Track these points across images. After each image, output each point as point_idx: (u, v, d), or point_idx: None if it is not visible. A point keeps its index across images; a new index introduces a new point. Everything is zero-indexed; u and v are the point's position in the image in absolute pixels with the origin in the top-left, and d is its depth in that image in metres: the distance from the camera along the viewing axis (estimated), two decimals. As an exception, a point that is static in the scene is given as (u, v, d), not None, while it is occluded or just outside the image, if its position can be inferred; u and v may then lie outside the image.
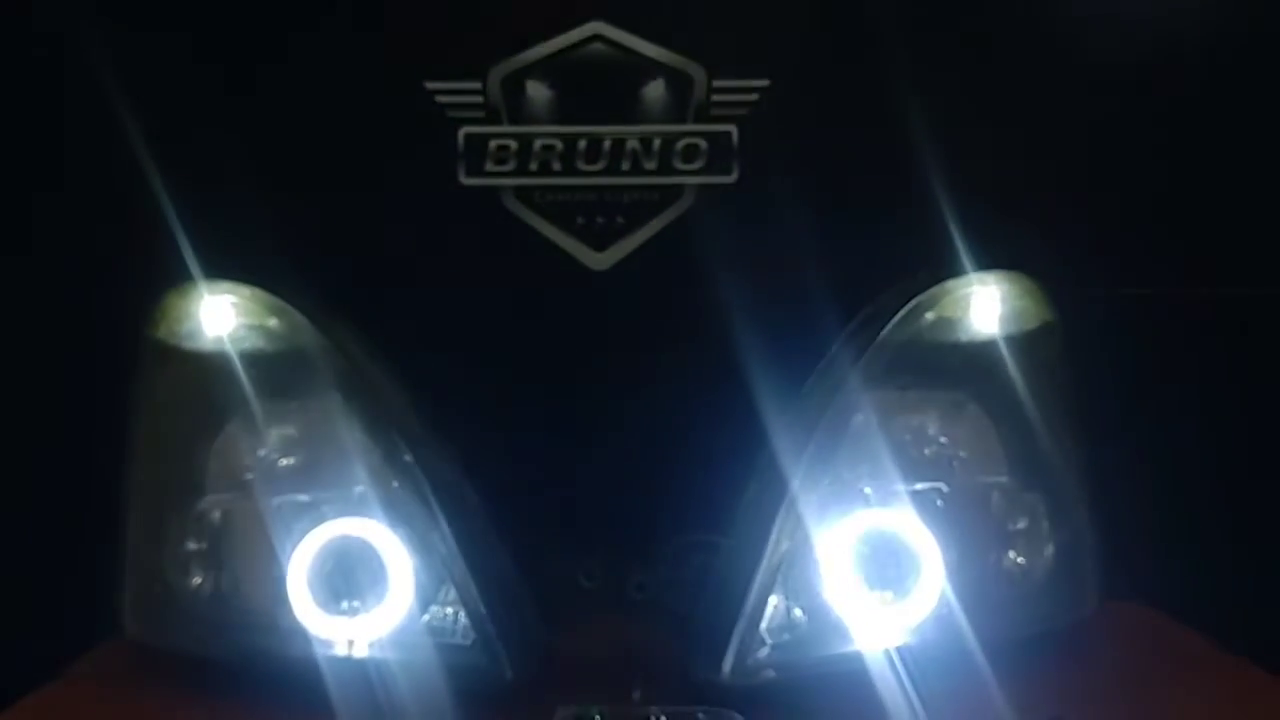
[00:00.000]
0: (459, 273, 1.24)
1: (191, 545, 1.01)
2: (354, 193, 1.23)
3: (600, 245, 1.24)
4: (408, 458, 0.92)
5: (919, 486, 0.95)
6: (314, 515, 0.96)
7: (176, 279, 1.03)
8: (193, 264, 1.04)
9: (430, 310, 1.21)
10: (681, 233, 1.24)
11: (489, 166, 1.23)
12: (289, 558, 0.94)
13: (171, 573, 1.01)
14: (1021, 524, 0.99)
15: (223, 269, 1.03)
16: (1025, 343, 1.00)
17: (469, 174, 1.23)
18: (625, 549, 0.97)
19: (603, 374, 1.22)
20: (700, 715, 0.75)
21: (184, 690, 0.96)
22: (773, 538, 0.88)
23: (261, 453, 1.00)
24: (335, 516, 0.94)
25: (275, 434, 1.01)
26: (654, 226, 1.24)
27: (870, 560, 0.91)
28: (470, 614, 0.89)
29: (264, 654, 0.96)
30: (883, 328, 0.97)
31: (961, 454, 0.99)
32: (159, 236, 1.08)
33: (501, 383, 1.20)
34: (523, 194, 1.24)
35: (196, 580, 1.01)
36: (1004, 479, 0.99)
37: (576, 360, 1.23)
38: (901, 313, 0.98)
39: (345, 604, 0.93)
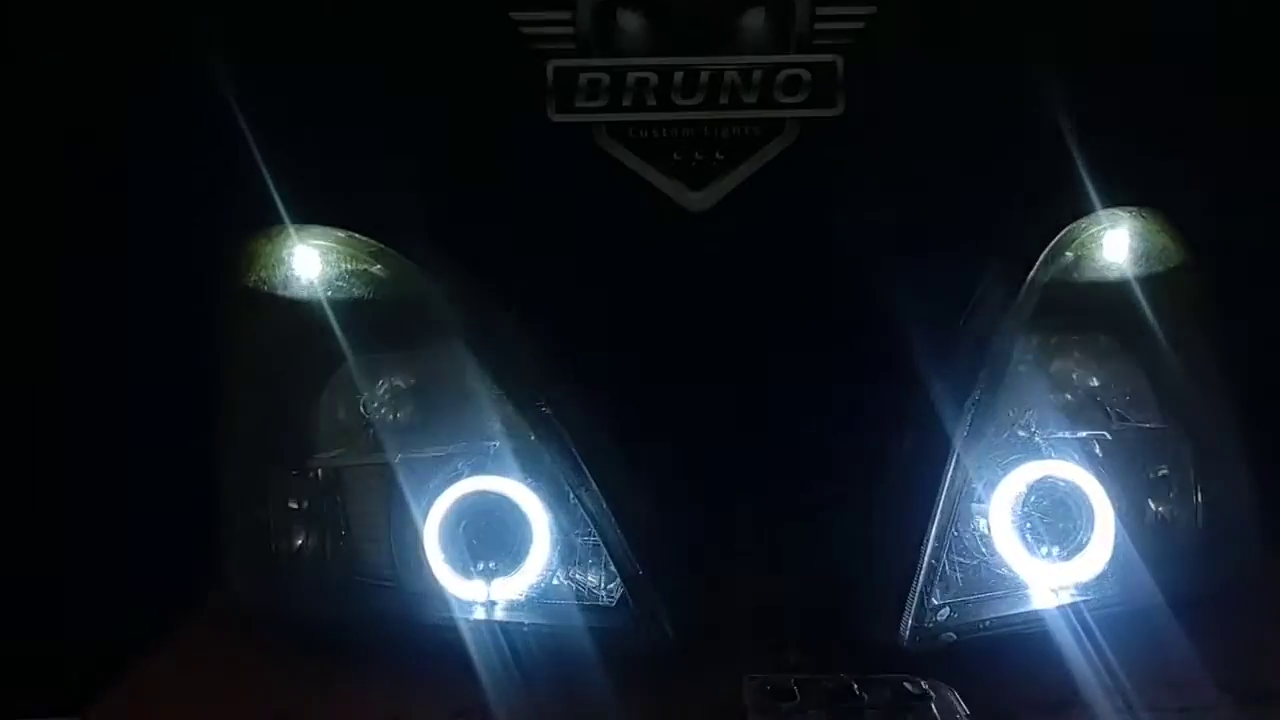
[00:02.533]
0: (549, 215, 1.17)
1: (299, 504, 0.94)
2: (438, 132, 1.15)
3: (698, 184, 1.18)
4: (545, 409, 0.85)
5: (1082, 434, 0.89)
6: (444, 472, 0.89)
7: (261, 223, 0.95)
8: (280, 206, 0.95)
9: (518, 255, 1.14)
10: (784, 169, 1.17)
11: (580, 102, 1.16)
12: (421, 516, 0.87)
13: (279, 533, 0.95)
14: (1178, 472, 0.93)
15: (309, 211, 0.95)
16: (1169, 280, 0.95)
17: (559, 110, 1.16)
18: (774, 506, 0.90)
19: (705, 321, 1.15)
20: (907, 685, 0.70)
21: (299, 656, 0.90)
22: (942, 492, 0.82)
23: (374, 406, 0.93)
24: (468, 472, 0.87)
25: (388, 386, 0.94)
26: (754, 163, 1.18)
27: (1041, 513, 0.85)
28: (622, 573, 0.83)
29: (386, 618, 0.90)
30: (1028, 269, 0.91)
31: (1116, 399, 0.94)
32: (242, 179, 1.00)
33: (595, 331, 1.13)
34: (616, 130, 1.17)
35: (306, 540, 0.94)
36: (1159, 425, 0.93)
37: (676, 307, 1.16)
38: (1045, 252, 0.91)
39: (481, 565, 0.87)
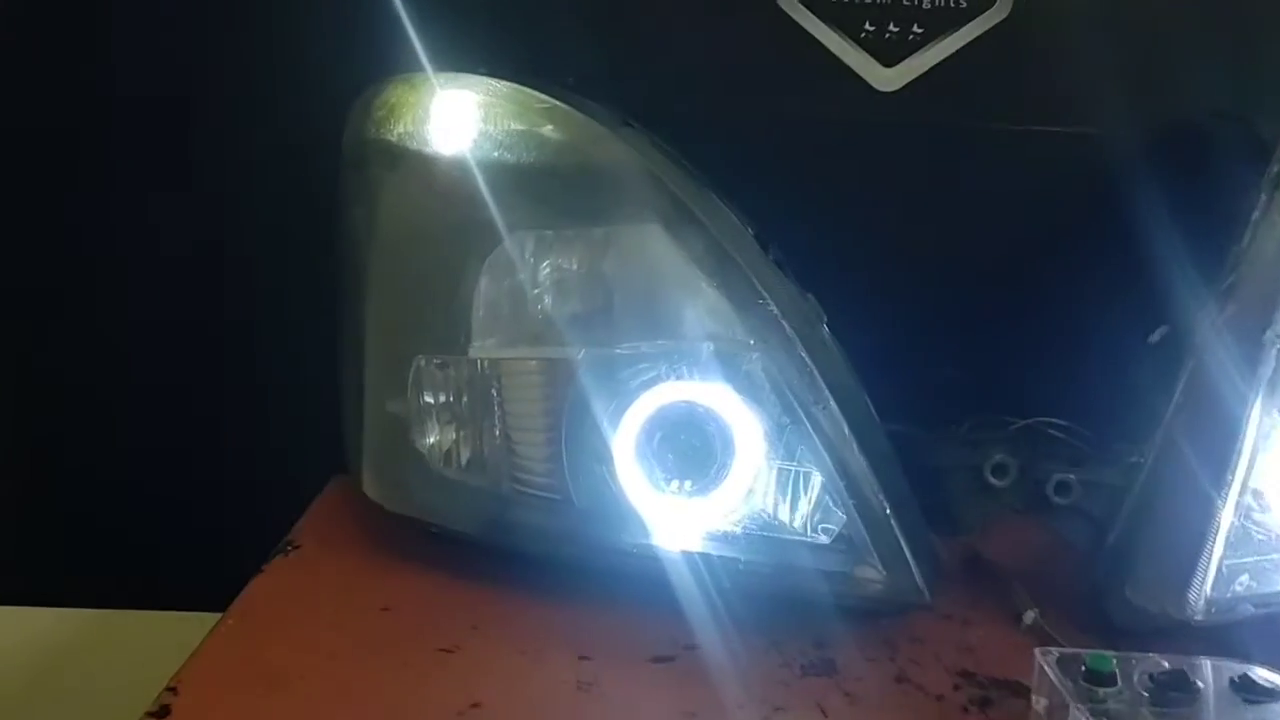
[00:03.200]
0: (724, 86, 1.02)
1: (448, 397, 0.79)
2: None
3: (889, 60, 1.01)
4: (771, 307, 0.70)
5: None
6: (641, 373, 0.74)
7: (400, 69, 0.81)
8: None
9: (691, 129, 0.97)
10: (990, 49, 1.00)
11: (761, -43, 0.97)
12: (611, 422, 0.73)
13: (421, 430, 0.80)
14: None
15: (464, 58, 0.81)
16: None
17: (742, -33, 0.98)
18: (1036, 441, 0.76)
19: (881, 216, 1.00)
20: (1252, 676, 0.56)
21: (440, 570, 0.79)
22: (1243, 434, 0.68)
23: (545, 290, 0.78)
24: (672, 375, 0.73)
25: (561, 268, 0.79)
26: (957, 40, 1.01)
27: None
28: (847, 509, 0.70)
29: (554, 535, 0.76)
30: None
31: None
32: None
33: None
34: (802, -8, 0.98)
35: (455, 439, 0.80)
36: None
37: (854, 197, 1.00)
38: None
39: (676, 484, 0.73)
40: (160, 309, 1.05)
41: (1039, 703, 0.60)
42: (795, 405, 0.70)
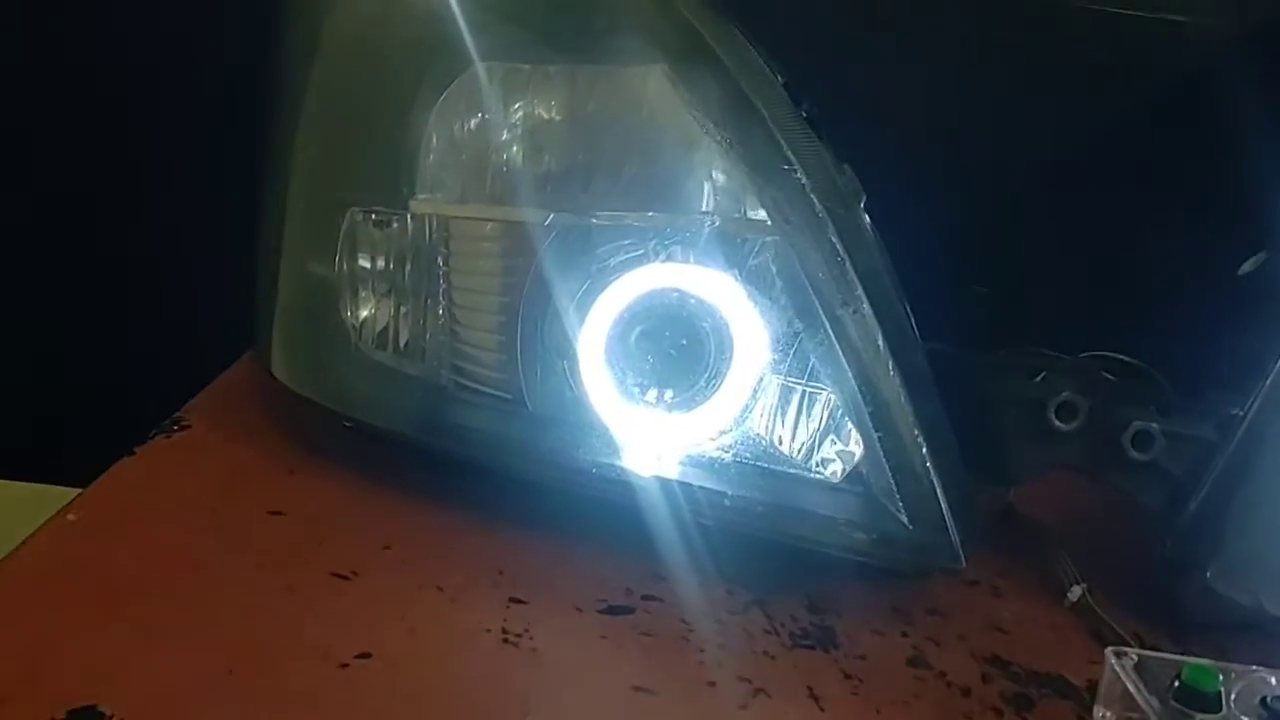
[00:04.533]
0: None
1: (381, 263, 0.63)
2: None
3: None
4: (798, 176, 0.53)
5: None
6: (622, 250, 0.58)
7: None
8: None
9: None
10: None
11: None
12: (578, 310, 0.56)
13: (348, 303, 0.63)
14: None
15: None
16: None
17: None
18: (1109, 380, 0.60)
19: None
20: None
21: (347, 470, 0.63)
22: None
23: (507, 137, 0.61)
24: (662, 254, 0.56)
25: (529, 113, 0.61)
26: None
27: None
28: (870, 442, 0.53)
29: (503, 445, 0.59)
30: None
31: None
32: None
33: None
34: None
35: (388, 316, 0.63)
36: None
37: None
38: None
39: (655, 393, 0.57)
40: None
41: (1103, 715, 0.45)
42: (818, 305, 0.54)
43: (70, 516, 0.55)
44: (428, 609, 0.52)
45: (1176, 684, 0.43)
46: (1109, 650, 0.46)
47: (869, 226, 0.58)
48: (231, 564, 0.53)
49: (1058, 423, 0.57)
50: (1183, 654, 0.49)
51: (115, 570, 0.51)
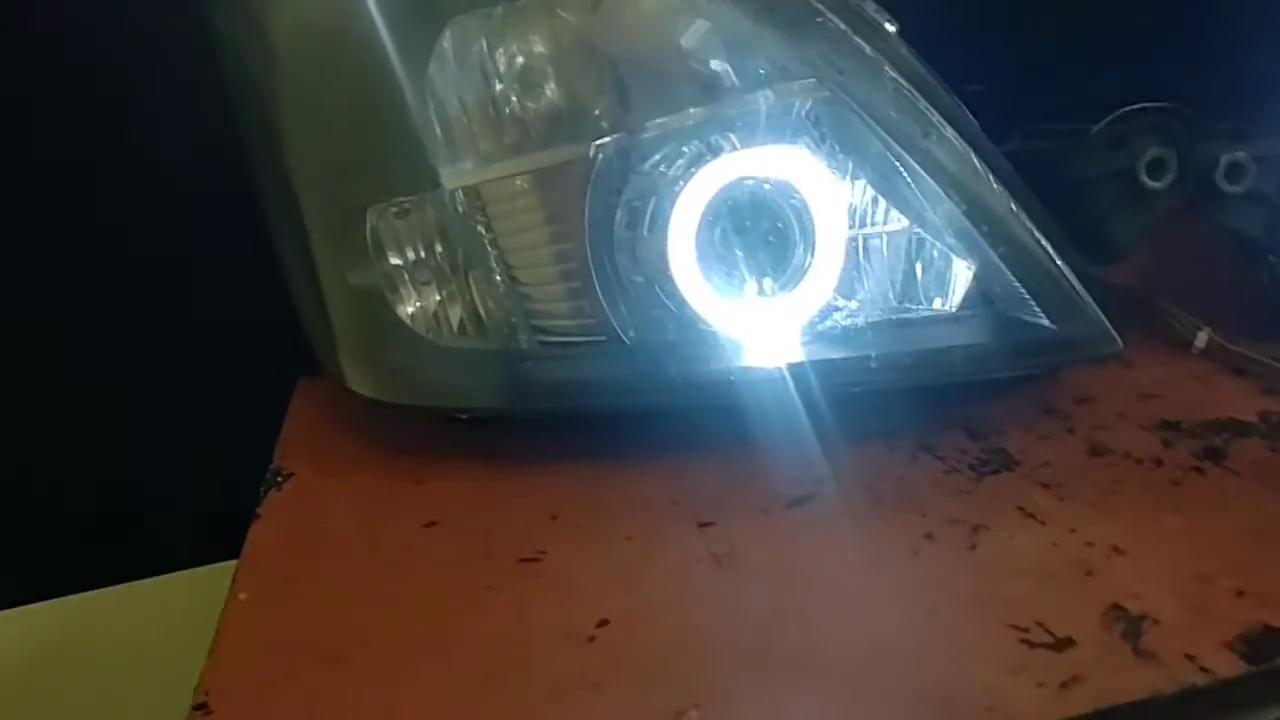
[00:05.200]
0: None
1: (422, 252, 0.61)
2: None
3: None
4: (835, 23, 0.53)
5: None
6: (677, 153, 0.56)
7: None
8: None
9: None
10: None
11: None
12: (654, 228, 0.55)
13: (399, 296, 0.61)
14: None
15: None
16: None
17: None
18: (1188, 124, 0.60)
19: None
20: None
21: (471, 459, 0.62)
22: None
23: (512, 81, 0.59)
24: (709, 151, 0.55)
25: (529, 49, 0.59)
26: None
27: None
28: (989, 260, 0.53)
29: (616, 385, 0.58)
30: None
31: None
32: None
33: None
34: None
35: (445, 302, 0.61)
36: None
37: None
38: None
39: (755, 286, 0.56)
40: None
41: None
42: (897, 144, 0.52)
43: (241, 595, 0.52)
44: (632, 560, 0.51)
45: None
46: None
47: (909, 49, 0.57)
48: (422, 584, 0.52)
49: (1151, 182, 0.57)
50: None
51: (318, 629, 0.49)
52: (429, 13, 0.59)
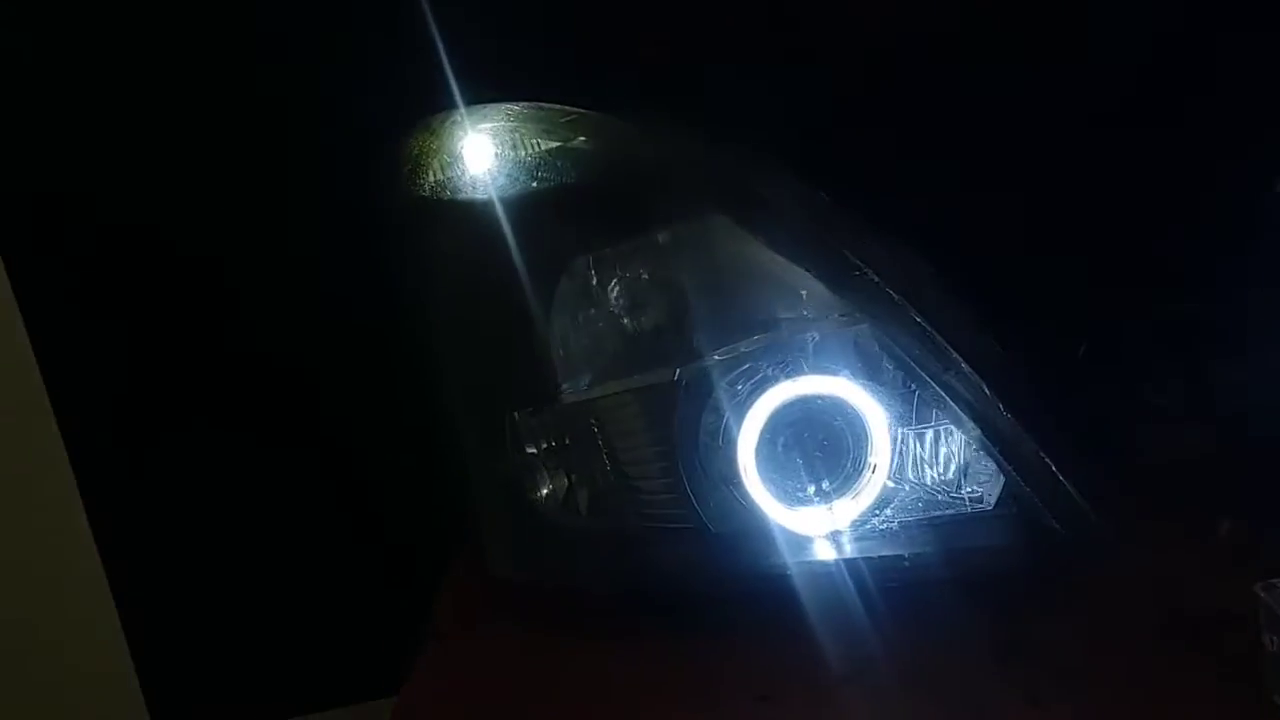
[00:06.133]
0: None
1: (549, 446, 0.74)
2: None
3: None
4: (870, 275, 0.64)
5: None
6: (745, 379, 0.68)
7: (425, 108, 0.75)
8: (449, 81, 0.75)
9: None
10: None
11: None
12: (727, 438, 0.67)
13: (533, 483, 0.74)
14: None
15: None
16: None
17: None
18: (1190, 334, 0.68)
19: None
20: None
21: (585, 633, 0.73)
22: None
23: (626, 310, 0.72)
24: (782, 373, 0.66)
25: (635, 284, 0.73)
26: None
27: None
28: (1006, 474, 0.62)
29: (697, 569, 0.70)
30: None
31: None
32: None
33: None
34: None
35: (565, 492, 0.74)
36: None
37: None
38: None
39: (814, 488, 0.67)
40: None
41: (1273, 642, 0.53)
42: (924, 378, 0.63)
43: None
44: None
45: None
46: (1257, 586, 0.54)
47: (944, 290, 0.67)
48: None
49: (1157, 398, 0.65)
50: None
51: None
52: (550, 257, 0.73)
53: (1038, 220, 0.85)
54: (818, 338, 0.67)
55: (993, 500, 0.67)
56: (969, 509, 0.67)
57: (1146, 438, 0.68)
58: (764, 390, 0.68)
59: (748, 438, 0.68)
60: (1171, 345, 0.66)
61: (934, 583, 0.67)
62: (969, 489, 0.68)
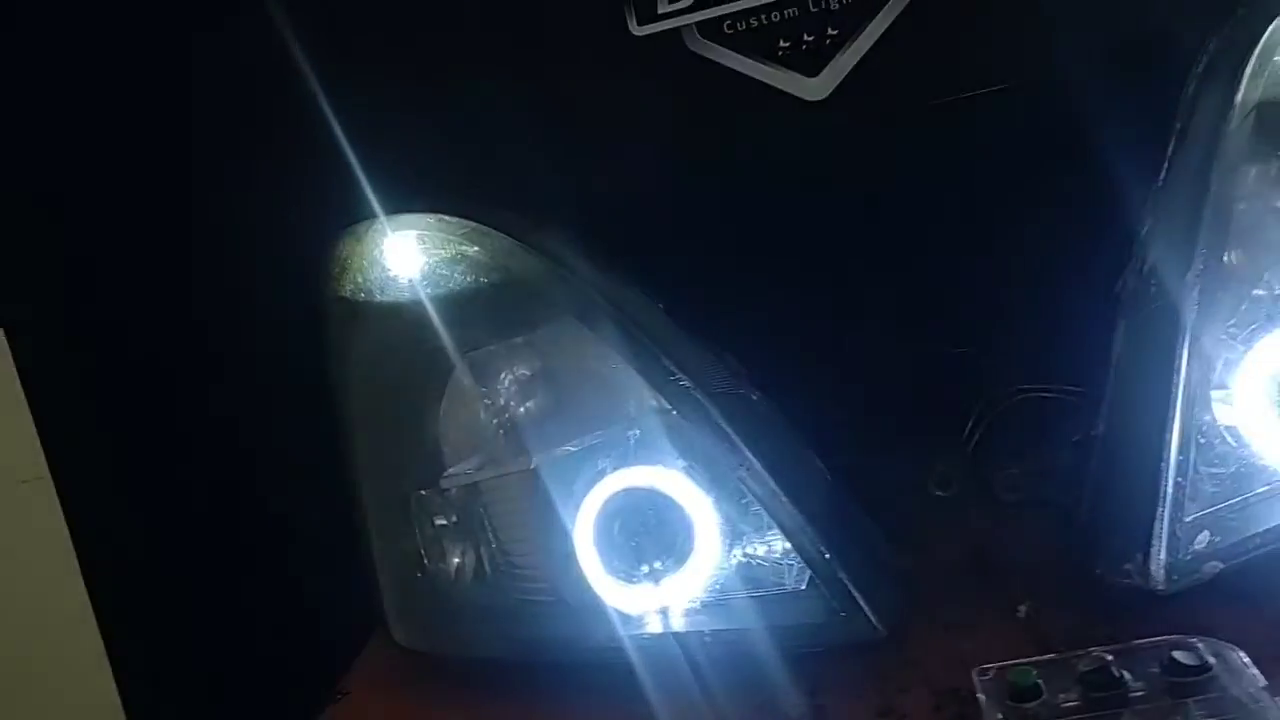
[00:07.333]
0: (650, 139, 1.03)
1: (443, 523, 0.84)
2: (509, 74, 1.02)
3: (812, 69, 1.00)
4: (683, 381, 0.72)
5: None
6: (586, 470, 0.77)
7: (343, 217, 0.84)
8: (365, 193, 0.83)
9: (622, 190, 1.00)
10: (912, 29, 0.98)
11: (662, 7, 0.98)
12: (570, 522, 0.76)
13: (430, 563, 0.84)
14: None
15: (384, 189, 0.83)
16: None
17: (641, 21, 0.99)
18: (979, 441, 0.75)
19: (853, 221, 1.00)
20: (1178, 654, 0.55)
21: (472, 697, 0.82)
22: (1178, 385, 0.66)
23: (500, 403, 0.81)
24: (612, 465, 0.75)
25: (509, 380, 0.82)
26: (874, 30, 0.99)
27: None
28: (806, 556, 0.70)
29: (554, 643, 0.79)
30: (1233, 88, 0.72)
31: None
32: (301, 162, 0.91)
33: (731, 265, 0.99)
34: (707, 29, 1.00)
35: (455, 567, 0.84)
36: None
37: (815, 213, 1.00)
38: (1249, 64, 0.72)
39: (646, 567, 0.75)
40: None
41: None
42: (722, 472, 0.71)
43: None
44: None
45: (1005, 683, 0.58)
46: (974, 671, 0.61)
47: (754, 395, 0.76)
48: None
49: (940, 492, 0.73)
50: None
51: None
52: (441, 354, 0.83)
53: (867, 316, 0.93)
54: (637, 435, 0.75)
55: (804, 582, 0.74)
56: (786, 588, 0.75)
57: (932, 528, 0.74)
58: (599, 480, 0.77)
59: (585, 522, 0.77)
60: (958, 439, 0.73)
61: (755, 655, 0.74)
62: (787, 570, 0.75)
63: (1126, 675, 0.56)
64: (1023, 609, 0.73)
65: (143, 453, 1.09)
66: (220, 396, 1.09)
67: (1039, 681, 0.57)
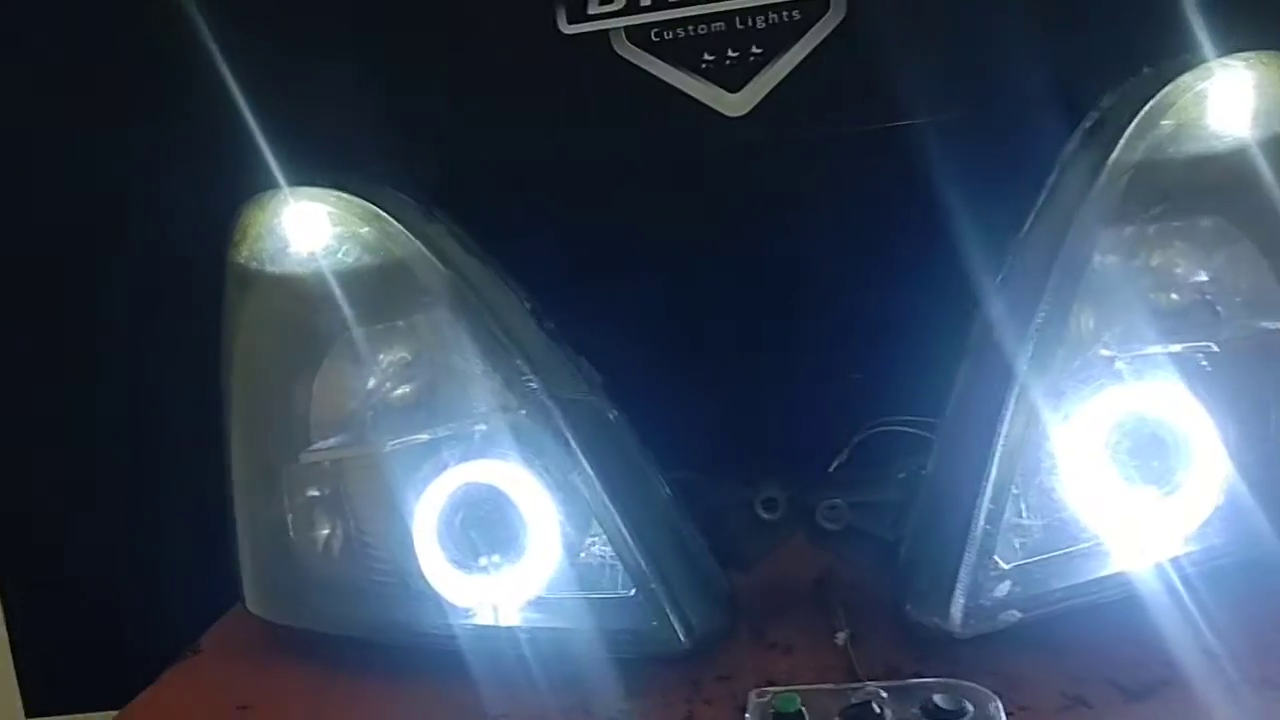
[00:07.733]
0: (569, 140, 1.05)
1: (306, 498, 0.86)
2: (437, 58, 1.05)
3: (735, 85, 1.02)
4: (533, 383, 0.73)
5: (1179, 348, 0.72)
6: (432, 460, 0.78)
7: (252, 188, 0.85)
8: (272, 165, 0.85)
9: (537, 189, 1.02)
10: (834, 56, 0.99)
11: (593, 8, 1.00)
12: (413, 510, 0.77)
13: (295, 535, 0.86)
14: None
15: (298, 162, 0.85)
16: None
17: (571, 20, 1.01)
18: (808, 468, 0.77)
19: (755, 242, 1.01)
20: (937, 698, 0.56)
21: (314, 667, 0.83)
22: (1000, 435, 0.67)
23: (372, 384, 0.83)
24: (458, 459, 0.77)
25: (386, 362, 0.84)
26: (798, 53, 1.00)
27: (1128, 452, 0.70)
28: (626, 564, 0.71)
29: (395, 625, 0.80)
30: (1111, 146, 0.73)
31: (1229, 298, 0.76)
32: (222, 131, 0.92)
33: (628, 268, 1.01)
34: (636, 35, 1.01)
35: (317, 542, 0.85)
36: (1281, 325, 0.76)
37: (720, 228, 1.02)
38: (1133, 124, 0.73)
39: (484, 560, 0.77)
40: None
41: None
42: (557, 474, 0.73)
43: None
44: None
45: (773, 710, 0.60)
46: (752, 693, 0.63)
47: (602, 403, 0.77)
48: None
49: (764, 514, 0.74)
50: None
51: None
52: (322, 331, 0.85)
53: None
54: (483, 430, 0.77)
55: (631, 588, 0.76)
56: (616, 594, 0.76)
57: (756, 549, 0.75)
58: (442, 471, 0.78)
59: (427, 512, 0.79)
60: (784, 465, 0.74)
61: (577, 656, 0.76)
62: (618, 576, 0.77)
63: (888, 713, 0.57)
64: (841, 636, 0.74)
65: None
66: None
67: (802, 709, 0.58)
